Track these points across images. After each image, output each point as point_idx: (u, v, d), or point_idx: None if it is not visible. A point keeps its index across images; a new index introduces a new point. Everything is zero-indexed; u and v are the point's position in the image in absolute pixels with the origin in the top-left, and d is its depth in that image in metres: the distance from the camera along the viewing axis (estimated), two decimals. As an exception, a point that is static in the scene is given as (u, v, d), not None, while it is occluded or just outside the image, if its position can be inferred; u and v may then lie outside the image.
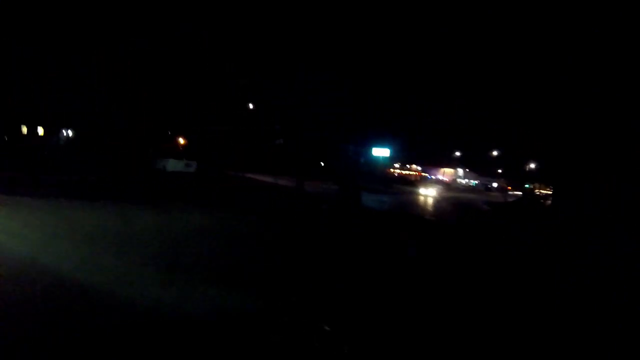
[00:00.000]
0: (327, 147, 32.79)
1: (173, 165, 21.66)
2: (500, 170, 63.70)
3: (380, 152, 32.23)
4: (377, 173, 33.72)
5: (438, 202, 31.53)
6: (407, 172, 65.00)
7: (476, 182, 69.67)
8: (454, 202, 31.26)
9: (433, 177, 65.02)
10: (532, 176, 49.93)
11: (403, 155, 57.74)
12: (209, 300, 4.01)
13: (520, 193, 50.12)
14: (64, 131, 30.16)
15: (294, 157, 30.48)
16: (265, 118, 32.59)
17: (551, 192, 41.62)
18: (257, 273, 5.28)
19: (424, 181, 55.80)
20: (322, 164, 38.08)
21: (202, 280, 4.55)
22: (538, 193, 47.86)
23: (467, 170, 70.22)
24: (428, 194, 36.26)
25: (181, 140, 30.34)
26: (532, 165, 49.95)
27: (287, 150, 32.54)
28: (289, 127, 31.45)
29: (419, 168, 66.48)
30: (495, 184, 66.87)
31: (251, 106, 33.40)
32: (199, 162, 23.88)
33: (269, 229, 9.54)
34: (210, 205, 12.23)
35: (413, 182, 53.55)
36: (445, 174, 68.10)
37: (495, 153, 56.88)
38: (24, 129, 24.50)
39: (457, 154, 62.77)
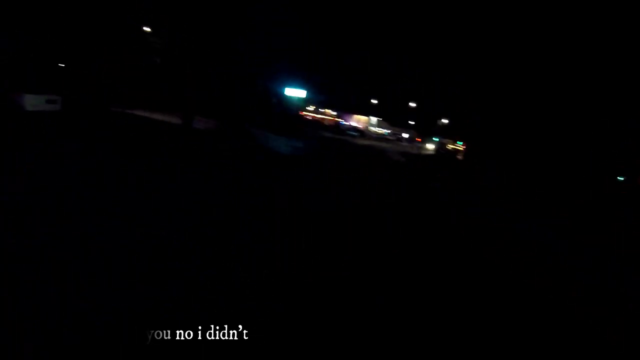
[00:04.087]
0: (228, 78, 26.88)
1: (31, 102, 16.72)
2: (412, 122, 65.16)
3: (295, 92, 29.01)
4: (290, 115, 29.85)
5: (355, 149, 29.26)
6: (322, 116, 64.45)
7: (388, 131, 70.93)
8: (371, 152, 29.84)
9: (346, 123, 65.06)
10: (442, 131, 53.35)
11: (318, 99, 56.64)
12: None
13: (427, 145, 53.76)
14: None
15: (178, 88, 24.16)
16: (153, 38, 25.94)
17: (459, 148, 46.63)
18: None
19: (337, 127, 56.11)
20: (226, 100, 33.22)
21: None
22: (449, 148, 51.11)
23: (380, 119, 71.16)
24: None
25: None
26: (444, 120, 53.22)
27: (174, 80, 25.72)
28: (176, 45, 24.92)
29: (334, 113, 66.21)
30: (405, 135, 68.62)
31: (148, 29, 26.60)
32: (66, 97, 18.79)
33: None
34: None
35: (328, 127, 52.53)
36: (360, 121, 68.52)
37: (412, 105, 58.35)
38: None
39: (374, 101, 63.45)
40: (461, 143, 48.89)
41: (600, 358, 4.33)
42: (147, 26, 26.00)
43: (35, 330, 3.19)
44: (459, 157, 39.88)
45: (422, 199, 12.59)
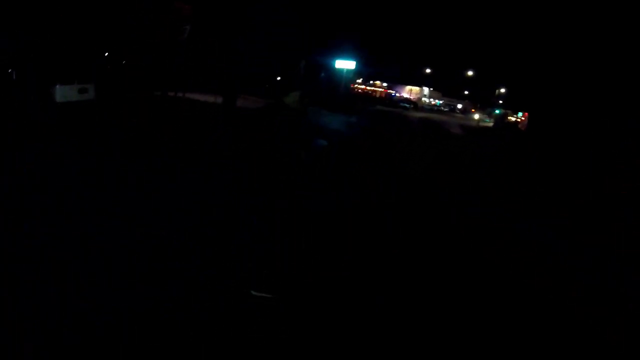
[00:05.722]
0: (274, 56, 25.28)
1: (62, 93, 15.04)
2: (466, 92, 61.32)
3: (345, 64, 26.95)
4: (341, 89, 27.68)
5: (410, 123, 27.71)
6: (372, 88, 60.73)
7: (440, 102, 67.91)
8: (427, 125, 28.25)
9: (398, 94, 61.13)
10: (499, 100, 49.81)
11: (367, 71, 52.38)
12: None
13: (475, 116, 49.93)
14: None
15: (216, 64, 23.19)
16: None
17: (520, 119, 43.21)
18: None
19: (389, 99, 52.17)
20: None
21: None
22: (510, 119, 47.61)
23: (432, 89, 67.67)
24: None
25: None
26: (502, 90, 49.78)
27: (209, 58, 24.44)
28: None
29: (384, 85, 62.54)
30: (459, 106, 65.78)
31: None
32: (99, 85, 17.15)
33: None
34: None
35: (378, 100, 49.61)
36: (411, 92, 64.81)
37: (470, 73, 54.53)
38: None
39: (427, 71, 59.57)
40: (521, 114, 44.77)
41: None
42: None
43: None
44: (521, 128, 37.25)
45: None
